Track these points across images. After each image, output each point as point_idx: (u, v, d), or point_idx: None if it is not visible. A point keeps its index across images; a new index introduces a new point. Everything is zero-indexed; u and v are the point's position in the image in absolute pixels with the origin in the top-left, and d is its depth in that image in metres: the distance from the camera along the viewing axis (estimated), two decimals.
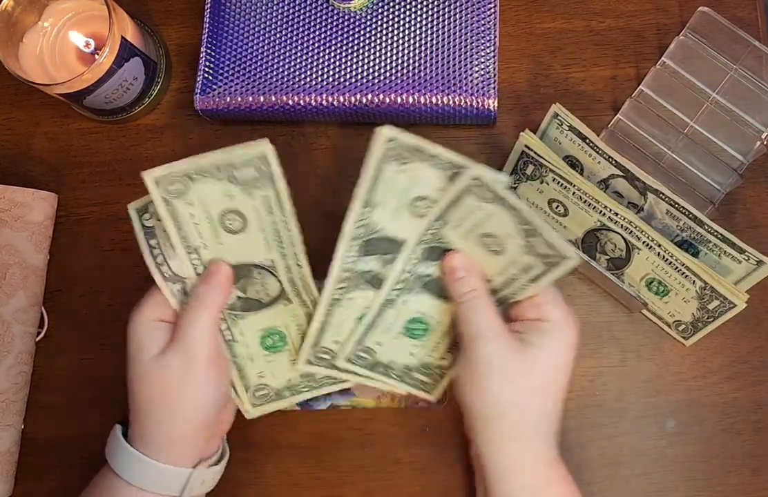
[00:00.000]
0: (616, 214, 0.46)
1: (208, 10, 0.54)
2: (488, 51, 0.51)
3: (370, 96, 0.51)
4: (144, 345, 0.42)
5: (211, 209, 0.42)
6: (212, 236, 0.43)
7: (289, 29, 0.52)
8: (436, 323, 0.45)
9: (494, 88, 0.50)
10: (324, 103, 0.51)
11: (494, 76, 0.50)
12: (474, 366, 0.41)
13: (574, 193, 0.47)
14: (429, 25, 0.51)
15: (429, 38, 0.51)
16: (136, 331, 0.43)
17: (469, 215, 0.41)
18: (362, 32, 0.52)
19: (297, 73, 0.51)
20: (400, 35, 0.51)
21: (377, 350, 0.46)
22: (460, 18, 0.51)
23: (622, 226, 0.46)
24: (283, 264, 0.44)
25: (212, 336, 0.43)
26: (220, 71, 0.52)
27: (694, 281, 0.45)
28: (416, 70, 0.51)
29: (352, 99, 0.51)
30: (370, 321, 0.45)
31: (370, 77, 0.51)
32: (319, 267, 0.53)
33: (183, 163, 0.41)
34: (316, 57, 0.52)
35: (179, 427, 0.42)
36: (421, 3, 0.52)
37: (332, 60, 0.51)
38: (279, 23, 0.53)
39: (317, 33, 0.52)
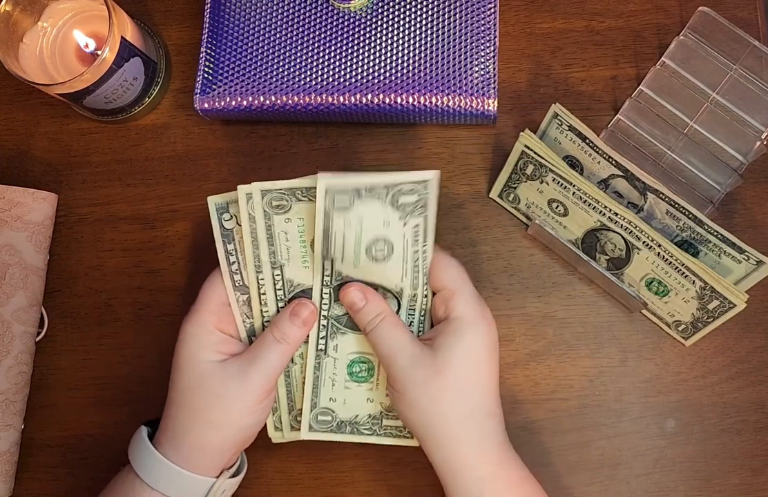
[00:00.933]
0: (616, 214, 0.46)
1: (208, 10, 0.54)
2: (488, 51, 0.51)
3: (370, 96, 0.51)
4: (200, 351, 0.42)
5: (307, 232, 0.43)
6: (299, 255, 0.44)
7: (289, 29, 0.52)
8: (376, 357, 0.46)
9: (494, 88, 0.50)
10: (324, 103, 0.51)
11: (494, 76, 0.50)
12: (395, 386, 0.42)
13: (574, 193, 0.47)
14: (429, 25, 0.51)
15: (429, 38, 0.51)
16: (191, 338, 0.43)
17: (345, 238, 0.41)
18: (362, 32, 0.52)
19: (297, 73, 0.51)
20: (400, 35, 0.51)
21: (335, 408, 0.46)
22: (460, 18, 0.51)
23: (622, 226, 0.46)
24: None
25: (281, 369, 0.43)
26: (220, 71, 0.52)
27: (694, 281, 0.45)
28: (416, 70, 0.51)
29: (352, 99, 0.51)
30: (313, 378, 0.45)
31: (370, 77, 0.51)
32: None
33: (283, 183, 0.42)
34: (316, 57, 0.52)
35: (217, 441, 0.42)
36: (421, 3, 0.52)
37: (332, 60, 0.51)
38: (279, 23, 0.53)
39: (317, 33, 0.52)
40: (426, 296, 0.45)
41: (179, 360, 0.43)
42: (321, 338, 0.45)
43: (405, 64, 0.51)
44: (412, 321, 0.45)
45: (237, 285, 0.45)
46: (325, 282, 0.44)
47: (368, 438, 0.47)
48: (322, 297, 0.44)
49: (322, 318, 0.45)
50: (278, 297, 0.45)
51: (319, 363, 0.45)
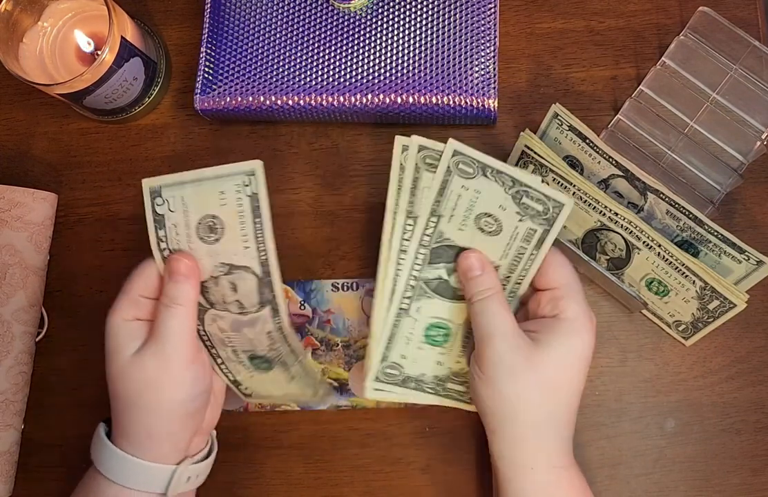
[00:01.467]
0: (616, 214, 0.46)
1: (208, 10, 0.54)
2: (488, 51, 0.51)
3: (370, 96, 0.51)
4: (121, 344, 0.42)
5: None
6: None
7: (289, 29, 0.52)
8: (456, 326, 0.45)
9: (494, 88, 0.50)
10: (324, 103, 0.51)
11: (494, 76, 0.50)
12: (484, 365, 0.41)
13: (574, 193, 0.47)
14: (429, 26, 0.51)
15: (429, 38, 0.51)
16: (113, 331, 0.42)
17: (459, 200, 0.41)
18: (362, 32, 0.52)
19: (297, 73, 0.51)
20: (400, 35, 0.51)
21: (404, 364, 0.46)
22: (460, 18, 0.51)
23: (622, 226, 0.46)
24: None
25: (188, 333, 0.42)
26: (220, 71, 0.52)
27: (694, 281, 0.45)
28: (416, 70, 0.51)
29: (352, 99, 0.51)
30: (388, 334, 0.44)
31: (370, 77, 0.51)
32: (318, 269, 0.53)
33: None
34: (316, 57, 0.52)
35: (159, 424, 0.42)
36: (421, 3, 0.52)
37: (332, 60, 0.51)
38: (279, 23, 0.53)
39: (317, 33, 0.52)
40: (515, 290, 0.44)
41: (107, 355, 0.43)
42: (406, 297, 0.44)
43: (405, 64, 0.51)
44: None
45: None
46: (423, 243, 0.42)
47: (430, 397, 0.46)
48: (416, 257, 0.43)
49: (411, 278, 0.43)
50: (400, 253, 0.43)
51: (398, 321, 0.44)
